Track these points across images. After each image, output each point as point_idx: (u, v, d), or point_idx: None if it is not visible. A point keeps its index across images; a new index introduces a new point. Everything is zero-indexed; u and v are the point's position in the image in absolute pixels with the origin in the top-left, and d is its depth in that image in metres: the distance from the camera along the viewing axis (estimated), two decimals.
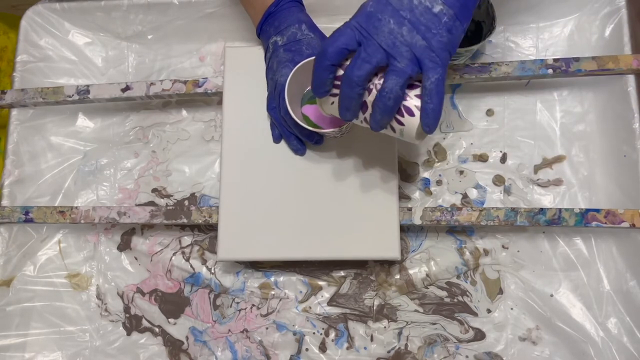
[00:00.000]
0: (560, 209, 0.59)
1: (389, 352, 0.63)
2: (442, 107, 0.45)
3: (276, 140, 0.61)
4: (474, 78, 0.62)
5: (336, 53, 0.45)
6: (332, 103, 0.49)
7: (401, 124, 0.47)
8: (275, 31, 0.59)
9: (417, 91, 0.46)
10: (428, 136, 0.49)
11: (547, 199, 0.66)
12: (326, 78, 0.46)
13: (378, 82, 0.46)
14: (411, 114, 0.46)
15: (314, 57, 0.51)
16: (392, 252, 0.58)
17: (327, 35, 0.58)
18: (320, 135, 0.59)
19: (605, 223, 0.58)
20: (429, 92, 0.44)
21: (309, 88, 0.58)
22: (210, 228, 0.68)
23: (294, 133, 0.59)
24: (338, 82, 0.47)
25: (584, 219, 0.58)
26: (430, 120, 0.45)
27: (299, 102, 0.58)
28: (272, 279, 0.66)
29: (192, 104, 0.73)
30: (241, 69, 0.63)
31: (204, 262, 0.68)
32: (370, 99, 0.46)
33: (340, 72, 0.47)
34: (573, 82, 0.68)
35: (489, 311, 0.64)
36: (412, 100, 0.46)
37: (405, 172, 0.67)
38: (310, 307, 0.65)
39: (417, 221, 0.60)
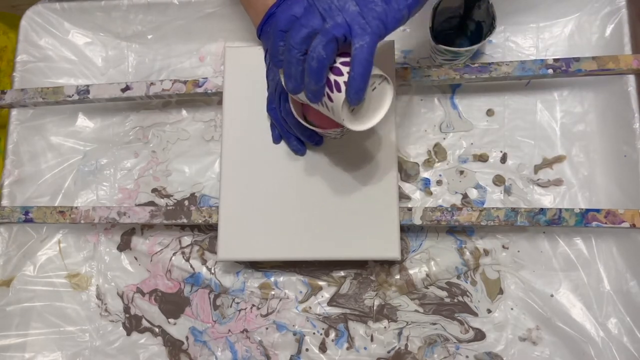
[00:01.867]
0: (560, 209, 0.58)
1: (389, 352, 0.63)
2: (367, 80, 0.44)
3: (276, 140, 0.61)
4: (474, 78, 0.62)
5: (286, 20, 0.46)
6: None
7: (331, 100, 0.46)
8: None
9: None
10: (371, 125, 0.48)
11: (547, 199, 0.66)
12: (278, 45, 0.47)
13: None
14: (339, 89, 0.45)
15: None
16: (392, 252, 0.58)
17: None
18: (321, 135, 0.59)
19: (606, 223, 0.58)
20: (353, 59, 0.43)
21: None
22: (210, 228, 0.68)
23: (294, 134, 0.59)
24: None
25: (584, 219, 0.58)
26: (352, 89, 0.44)
27: (300, 102, 0.58)
28: (272, 279, 0.66)
29: (192, 104, 0.73)
30: (241, 69, 0.63)
31: (204, 262, 0.68)
32: None
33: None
34: (573, 82, 0.68)
35: (489, 311, 0.64)
36: (344, 77, 0.45)
37: (405, 172, 0.67)
38: (310, 307, 0.65)
39: (417, 221, 0.60)
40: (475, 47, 0.61)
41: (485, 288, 0.64)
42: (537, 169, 0.66)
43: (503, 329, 0.63)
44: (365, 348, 0.64)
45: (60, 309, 0.68)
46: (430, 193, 0.67)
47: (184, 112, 0.73)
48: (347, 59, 0.46)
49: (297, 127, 0.57)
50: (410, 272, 0.65)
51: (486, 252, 0.65)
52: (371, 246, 0.58)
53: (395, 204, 0.59)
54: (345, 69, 0.45)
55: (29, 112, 0.72)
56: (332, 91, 0.45)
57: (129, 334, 0.67)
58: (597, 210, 0.58)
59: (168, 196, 0.70)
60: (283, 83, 0.49)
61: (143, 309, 0.67)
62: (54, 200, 0.71)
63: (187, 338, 0.66)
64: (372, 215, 0.58)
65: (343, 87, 0.45)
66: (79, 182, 0.72)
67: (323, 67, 0.44)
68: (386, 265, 0.66)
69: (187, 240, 0.69)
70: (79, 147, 0.73)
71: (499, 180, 0.66)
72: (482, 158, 0.67)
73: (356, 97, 0.44)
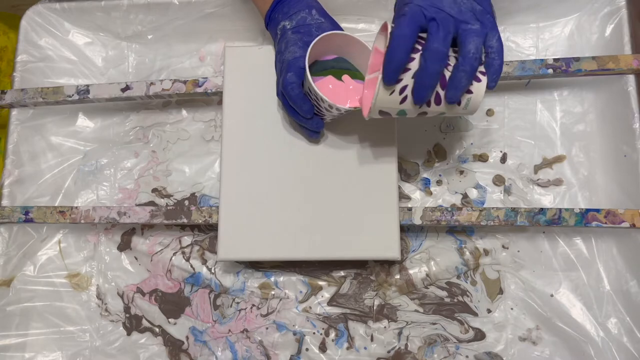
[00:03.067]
0: (560, 209, 0.58)
1: (389, 352, 0.63)
2: None
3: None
4: None
5: (415, 32, 0.45)
6: (392, 92, 0.48)
7: (470, 92, 0.48)
8: (284, 17, 0.58)
9: None
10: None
11: (547, 199, 0.66)
12: (404, 61, 0.46)
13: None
14: (477, 79, 0.47)
15: (332, 32, 0.53)
16: (392, 252, 0.58)
17: (338, 22, 0.58)
18: (320, 120, 0.57)
19: (606, 223, 0.58)
20: (496, 49, 0.47)
21: (315, 61, 0.57)
22: (210, 228, 0.68)
23: (301, 123, 0.58)
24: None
25: (584, 219, 0.58)
26: (498, 75, 0.47)
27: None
28: (272, 279, 0.66)
29: (192, 104, 0.73)
30: (241, 69, 0.63)
31: (204, 262, 0.68)
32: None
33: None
34: (573, 82, 0.68)
35: (489, 311, 0.64)
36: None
37: (405, 172, 0.67)
38: (310, 307, 0.65)
39: (417, 221, 0.60)
40: None
41: (485, 288, 0.64)
42: (537, 168, 0.67)
43: (503, 329, 0.63)
44: (365, 348, 0.64)
45: (61, 309, 0.68)
46: (430, 193, 0.67)
47: (184, 112, 0.73)
48: None
49: (296, 98, 0.55)
50: (410, 272, 0.65)
51: (486, 252, 0.65)
52: (371, 246, 0.58)
53: (395, 204, 0.59)
54: None
55: (29, 112, 0.72)
56: (470, 84, 0.48)
57: (129, 334, 0.67)
58: (597, 210, 0.58)
59: (168, 196, 0.70)
60: (388, 102, 0.48)
61: (143, 309, 0.67)
62: (54, 200, 0.71)
63: (187, 338, 0.66)
64: (372, 215, 0.58)
65: (480, 76, 0.47)
66: (79, 182, 0.72)
67: (479, 65, 0.46)
68: (386, 265, 0.66)
69: (187, 240, 0.69)
70: (79, 147, 0.73)
71: (499, 180, 0.66)
72: (482, 158, 0.67)
73: (497, 80, 0.48)
